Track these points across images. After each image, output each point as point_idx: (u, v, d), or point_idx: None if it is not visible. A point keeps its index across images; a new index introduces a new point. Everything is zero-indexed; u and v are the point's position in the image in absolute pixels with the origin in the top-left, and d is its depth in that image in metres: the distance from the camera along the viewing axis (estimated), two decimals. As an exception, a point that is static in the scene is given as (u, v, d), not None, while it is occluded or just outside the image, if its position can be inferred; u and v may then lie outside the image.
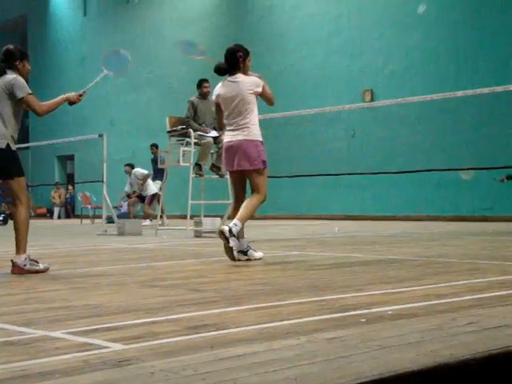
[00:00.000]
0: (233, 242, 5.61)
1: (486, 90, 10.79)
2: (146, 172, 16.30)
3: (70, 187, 27.36)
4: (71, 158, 27.99)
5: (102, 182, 12.13)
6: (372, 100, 17.55)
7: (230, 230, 5.60)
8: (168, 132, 10.51)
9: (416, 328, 2.70)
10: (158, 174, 15.42)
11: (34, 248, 8.29)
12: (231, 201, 7.73)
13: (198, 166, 10.08)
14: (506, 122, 15.22)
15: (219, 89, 6.12)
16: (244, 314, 3.16)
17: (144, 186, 16.15)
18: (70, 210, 27.29)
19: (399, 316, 2.99)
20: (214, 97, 6.22)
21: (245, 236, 6.06)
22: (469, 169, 13.09)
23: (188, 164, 10.14)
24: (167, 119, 10.68)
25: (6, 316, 3.24)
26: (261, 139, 6.04)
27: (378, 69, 17.94)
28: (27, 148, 25.11)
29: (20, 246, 5.21)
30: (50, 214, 27.56)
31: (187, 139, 10.17)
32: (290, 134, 19.18)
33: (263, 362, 2.18)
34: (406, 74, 17.34)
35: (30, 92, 5.27)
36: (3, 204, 20.35)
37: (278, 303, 3.46)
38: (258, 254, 6.07)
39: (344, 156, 18.29)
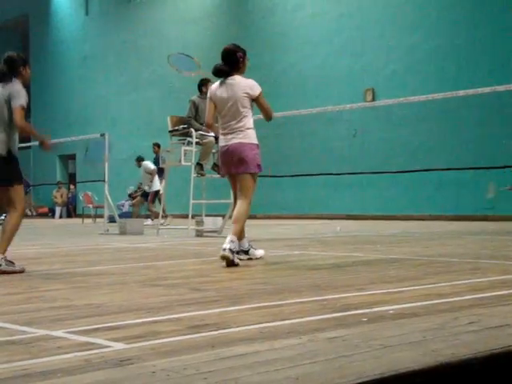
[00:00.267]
0: (237, 260, 5.54)
1: (487, 90, 10.75)
2: (153, 167, 16.30)
3: (72, 187, 27.37)
4: (73, 157, 28.00)
5: (104, 181, 12.12)
6: (373, 99, 17.55)
7: (231, 250, 5.45)
8: (169, 131, 10.52)
9: (417, 327, 2.69)
10: (160, 173, 15.48)
11: (35, 247, 8.33)
12: (232, 200, 7.72)
13: (199, 165, 10.07)
14: (507, 121, 15.21)
15: (215, 89, 6.02)
16: (245, 314, 3.16)
17: (152, 181, 16.18)
18: (71, 210, 27.31)
19: (400, 315, 2.98)
20: (208, 94, 6.13)
21: (245, 235, 6.07)
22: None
23: (189, 163, 10.15)
24: (169, 119, 10.68)
25: (7, 315, 3.23)
26: (256, 142, 5.91)
27: (379, 68, 17.95)
28: (29, 147, 25.06)
29: (1, 246, 5.22)
30: (51, 213, 27.58)
31: (189, 139, 10.17)
32: (291, 133, 19.18)
33: (265, 362, 2.18)
34: (407, 73, 17.34)
35: (24, 106, 5.26)
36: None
37: (279, 302, 3.46)
38: (259, 253, 6.07)
39: (345, 155, 18.28)
